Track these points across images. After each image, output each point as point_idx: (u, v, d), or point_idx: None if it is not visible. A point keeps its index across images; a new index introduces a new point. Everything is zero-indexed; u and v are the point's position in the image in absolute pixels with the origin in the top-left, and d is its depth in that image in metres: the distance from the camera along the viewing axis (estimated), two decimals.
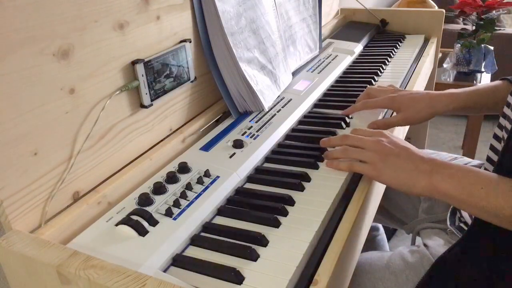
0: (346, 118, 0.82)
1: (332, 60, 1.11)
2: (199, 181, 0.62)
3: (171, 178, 0.62)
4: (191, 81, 0.76)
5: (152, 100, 0.67)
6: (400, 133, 0.89)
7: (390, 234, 1.61)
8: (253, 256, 0.50)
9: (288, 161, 0.70)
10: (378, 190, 0.74)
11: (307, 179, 0.65)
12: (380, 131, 0.68)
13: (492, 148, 0.70)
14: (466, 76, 1.78)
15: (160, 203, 0.58)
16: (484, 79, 1.76)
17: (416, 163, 0.60)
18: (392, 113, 0.88)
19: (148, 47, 0.66)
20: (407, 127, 1.02)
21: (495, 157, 0.68)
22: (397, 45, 1.29)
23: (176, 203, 0.57)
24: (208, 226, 0.57)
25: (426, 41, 1.36)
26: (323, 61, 1.10)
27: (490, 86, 0.80)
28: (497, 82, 0.80)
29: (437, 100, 0.78)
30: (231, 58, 0.77)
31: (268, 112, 0.83)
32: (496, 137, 0.70)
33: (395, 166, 0.61)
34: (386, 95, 0.81)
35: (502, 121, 0.68)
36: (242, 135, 0.74)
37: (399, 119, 0.79)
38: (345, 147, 0.66)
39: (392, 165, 0.61)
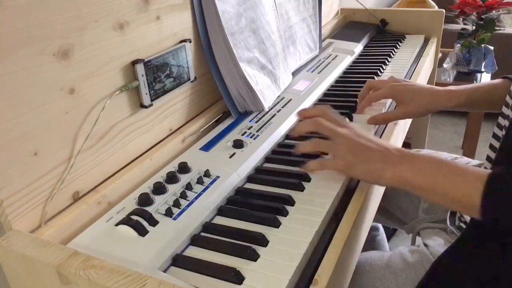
0: (347, 118, 0.82)
1: (332, 60, 1.11)
2: (199, 181, 0.62)
3: (171, 178, 0.62)
4: (191, 81, 0.76)
5: (152, 100, 0.67)
6: (400, 132, 0.89)
7: (390, 234, 1.61)
8: (253, 256, 0.50)
9: (288, 161, 0.70)
10: (378, 190, 0.74)
11: (307, 179, 0.65)
12: (347, 123, 0.66)
13: (491, 147, 0.70)
14: (466, 76, 1.78)
15: (160, 203, 0.58)
16: (484, 79, 1.76)
17: (385, 154, 0.59)
18: (395, 106, 0.88)
19: (148, 47, 0.66)
20: (407, 127, 1.02)
21: (494, 156, 0.68)
22: (397, 45, 1.29)
23: (176, 203, 0.57)
24: (208, 226, 0.57)
25: (426, 41, 1.36)
26: (323, 61, 1.10)
27: (491, 84, 0.80)
28: (498, 80, 0.80)
29: (439, 96, 0.78)
30: (231, 58, 0.77)
31: (268, 112, 0.83)
32: (495, 136, 0.70)
33: (366, 158, 0.60)
34: (387, 85, 0.82)
35: (501, 120, 0.68)
36: (242, 135, 0.74)
37: (399, 112, 0.79)
38: (316, 141, 0.64)
39: (362, 158, 0.60)
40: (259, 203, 0.60)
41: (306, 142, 0.65)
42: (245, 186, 0.66)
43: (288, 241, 0.52)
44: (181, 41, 0.73)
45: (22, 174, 0.50)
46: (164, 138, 0.72)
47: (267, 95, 0.84)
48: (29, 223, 0.52)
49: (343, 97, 0.94)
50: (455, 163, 0.56)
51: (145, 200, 0.57)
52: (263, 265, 0.49)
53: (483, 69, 1.76)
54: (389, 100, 0.90)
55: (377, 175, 0.58)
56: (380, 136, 0.79)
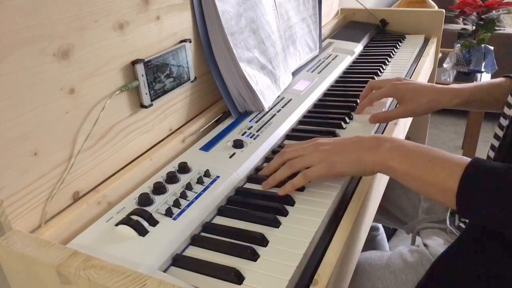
0: (346, 118, 0.82)
1: (332, 60, 1.11)
2: (199, 181, 0.62)
3: (171, 178, 0.62)
4: (191, 81, 0.76)
5: (152, 100, 0.67)
6: (400, 132, 0.89)
7: (390, 234, 1.61)
8: (253, 256, 0.50)
9: None
10: (378, 190, 0.74)
11: None
12: (313, 138, 0.65)
13: (492, 147, 0.70)
14: (466, 76, 1.78)
15: (160, 203, 0.58)
16: (484, 79, 1.76)
17: (361, 142, 0.59)
18: (396, 105, 0.89)
19: (148, 47, 0.66)
20: (407, 127, 1.02)
21: (493, 155, 0.69)
22: (397, 45, 1.29)
23: (176, 203, 0.57)
24: (208, 226, 0.57)
25: (426, 41, 1.36)
26: (323, 61, 1.10)
27: (493, 82, 0.80)
28: (500, 79, 0.80)
29: (441, 94, 0.78)
30: (231, 58, 0.77)
31: (268, 112, 0.83)
32: (496, 136, 0.70)
33: (342, 151, 0.59)
34: (389, 83, 0.82)
35: (503, 121, 0.68)
36: (242, 135, 0.74)
37: (401, 111, 0.79)
38: (288, 162, 0.63)
39: (339, 152, 0.60)
40: (259, 203, 0.60)
41: (278, 173, 0.63)
42: (245, 186, 0.66)
43: (288, 241, 0.52)
44: (181, 41, 0.73)
45: (22, 174, 0.50)
46: (164, 138, 0.72)
47: (267, 95, 0.84)
48: (29, 223, 0.52)
49: (343, 97, 0.94)
50: (436, 149, 0.56)
51: (145, 200, 0.57)
52: (263, 265, 0.49)
53: (483, 69, 1.76)
54: (389, 100, 0.90)
55: (359, 164, 0.58)
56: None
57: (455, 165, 0.52)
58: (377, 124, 0.82)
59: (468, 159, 0.52)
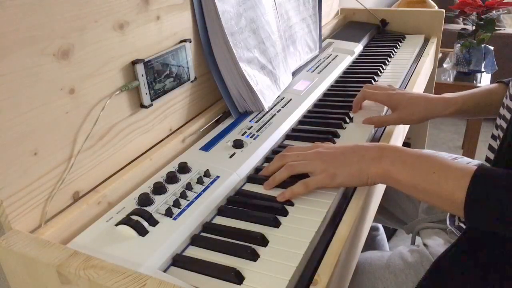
0: (346, 118, 0.82)
1: (332, 60, 1.11)
2: (199, 181, 0.62)
3: (171, 178, 0.62)
4: (191, 81, 0.76)
5: (152, 100, 0.67)
6: (400, 132, 0.89)
7: (390, 234, 1.62)
8: (253, 256, 0.50)
9: None
10: (378, 189, 0.74)
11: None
12: (315, 143, 0.65)
13: (490, 147, 0.70)
14: (466, 76, 1.78)
15: (160, 203, 0.58)
16: (484, 79, 1.76)
17: (363, 153, 0.58)
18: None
19: (148, 47, 0.66)
20: (407, 127, 1.02)
21: (493, 157, 0.68)
22: (397, 45, 1.29)
23: (176, 203, 0.57)
24: (208, 226, 0.57)
25: (426, 41, 1.36)
26: (323, 61, 1.10)
27: (486, 89, 0.80)
28: (493, 85, 0.81)
29: (434, 104, 0.79)
30: (231, 58, 0.77)
31: (268, 112, 0.83)
32: (493, 136, 0.70)
33: (344, 162, 0.58)
34: (384, 91, 0.82)
35: (498, 121, 0.69)
36: (242, 135, 0.74)
37: (394, 118, 0.80)
38: (288, 164, 0.62)
39: (341, 163, 0.59)
40: (259, 203, 0.60)
41: (277, 173, 0.62)
42: (245, 186, 0.66)
43: (288, 241, 0.52)
44: (181, 41, 0.73)
45: (22, 174, 0.50)
46: (164, 138, 0.72)
47: (267, 95, 0.84)
48: (29, 223, 0.52)
49: (343, 97, 0.94)
50: (439, 157, 0.56)
51: (145, 200, 0.57)
52: (263, 265, 0.49)
53: (483, 69, 1.76)
54: (385, 108, 0.90)
55: (361, 175, 0.58)
56: (381, 136, 0.80)
57: (461, 176, 0.51)
58: None
59: (473, 168, 0.52)
